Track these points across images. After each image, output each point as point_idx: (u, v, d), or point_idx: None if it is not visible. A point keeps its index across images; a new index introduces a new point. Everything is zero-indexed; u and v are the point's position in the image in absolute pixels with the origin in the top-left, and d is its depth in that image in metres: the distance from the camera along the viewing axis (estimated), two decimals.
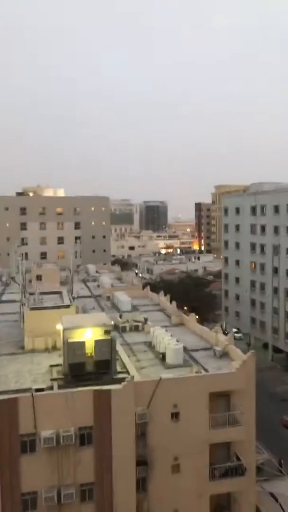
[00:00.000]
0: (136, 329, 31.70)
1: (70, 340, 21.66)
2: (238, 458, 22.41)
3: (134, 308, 37.80)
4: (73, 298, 38.09)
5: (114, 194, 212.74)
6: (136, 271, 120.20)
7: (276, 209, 55.33)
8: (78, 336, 21.98)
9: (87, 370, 21.59)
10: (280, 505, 25.77)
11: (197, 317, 34.58)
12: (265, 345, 58.97)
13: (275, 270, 55.61)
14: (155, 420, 20.76)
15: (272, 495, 26.57)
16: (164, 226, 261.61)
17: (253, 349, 28.25)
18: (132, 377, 20.77)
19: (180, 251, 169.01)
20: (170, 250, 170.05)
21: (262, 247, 58.74)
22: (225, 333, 35.09)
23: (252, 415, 22.91)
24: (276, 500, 26.16)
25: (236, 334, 62.13)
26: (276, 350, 56.75)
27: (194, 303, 65.37)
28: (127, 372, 22.50)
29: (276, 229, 55.49)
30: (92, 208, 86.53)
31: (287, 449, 36.60)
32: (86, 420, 19.61)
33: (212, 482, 21.80)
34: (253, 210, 60.83)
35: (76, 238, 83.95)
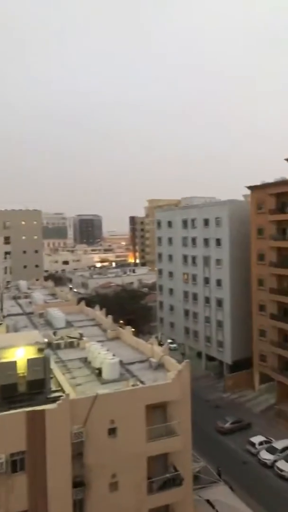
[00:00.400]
0: (71, 345, 30.98)
1: (0, 361, 20.56)
2: (175, 469, 22.63)
3: (69, 324, 36.99)
4: (3, 317, 36.36)
5: (47, 208, 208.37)
6: (71, 286, 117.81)
7: (206, 222, 57.87)
8: (9, 355, 20.96)
9: (20, 391, 20.60)
10: (216, 511, 26.36)
11: (133, 329, 34.69)
12: (199, 354, 60.73)
13: (206, 281, 57.87)
14: (92, 438, 20.30)
15: (209, 502, 27.11)
16: (99, 240, 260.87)
17: (187, 358, 28.96)
18: (68, 395, 20.18)
19: (116, 264, 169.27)
20: (106, 264, 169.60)
21: (194, 258, 60.90)
22: (160, 344, 35.61)
23: (188, 424, 23.34)
24: (213, 507, 26.73)
25: (171, 345, 63.24)
26: (210, 358, 58.71)
27: (130, 316, 65.58)
28: (62, 390, 21.84)
29: (206, 241, 57.93)
30: (23, 222, 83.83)
31: (221, 453, 37.79)
32: (18, 445, 18.60)
33: (150, 496, 21.73)
34: (185, 223, 63.04)
35: (6, 253, 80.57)
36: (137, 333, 43.10)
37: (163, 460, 22.83)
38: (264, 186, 49.53)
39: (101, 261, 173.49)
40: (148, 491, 21.74)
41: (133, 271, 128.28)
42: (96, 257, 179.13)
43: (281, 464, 34.92)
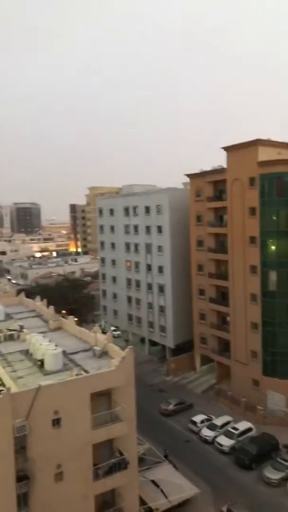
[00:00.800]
0: (11, 338, 29.96)
1: None
2: (120, 453, 22.96)
3: (8, 316, 35.67)
4: None
5: None
6: (9, 277, 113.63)
7: (147, 209, 58.31)
8: None
9: None
10: (161, 490, 27.24)
11: (76, 319, 34.30)
12: (142, 340, 61.70)
13: (149, 267, 58.61)
14: (35, 431, 19.90)
15: (153, 482, 27.92)
16: (37, 229, 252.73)
17: (131, 344, 29.29)
18: (8, 388, 19.52)
19: (56, 253, 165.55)
20: (46, 253, 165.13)
21: (136, 246, 61.27)
22: (104, 332, 35.56)
23: (133, 409, 23.71)
24: (158, 486, 27.59)
25: (114, 332, 63.61)
26: (153, 343, 59.87)
27: (73, 306, 64.78)
28: (3, 384, 21.10)
29: (148, 229, 58.47)
30: None
31: (166, 434, 38.97)
32: None
33: (96, 482, 21.90)
34: (126, 211, 63.02)
35: None
36: (80, 323, 42.72)
37: (108, 445, 23.06)
38: (202, 174, 50.81)
39: (41, 251, 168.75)
40: (94, 478, 21.89)
41: (75, 260, 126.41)
42: (36, 246, 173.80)
43: (220, 439, 36.79)
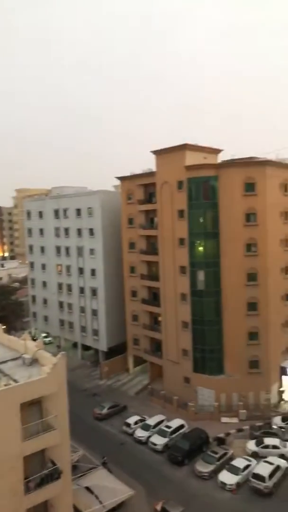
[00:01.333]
0: None
1: None
2: (53, 463, 22.24)
3: None
4: None
5: None
6: None
7: (78, 212, 57.42)
8: None
9: None
10: (96, 496, 26.90)
11: (3, 327, 32.68)
12: (75, 345, 60.59)
13: (81, 271, 57.75)
14: None
15: (88, 488, 27.49)
16: None
17: (63, 350, 28.61)
18: None
19: None
20: None
21: (67, 249, 60.03)
22: (34, 339, 34.36)
23: (66, 417, 23.10)
24: (92, 492, 27.20)
25: (45, 339, 61.91)
26: (85, 347, 59.05)
27: (0, 313, 61.87)
28: None
29: (79, 231, 57.61)
30: None
31: (100, 439, 38.65)
32: None
33: (28, 495, 20.96)
34: (56, 213, 61.49)
35: None
36: (8, 330, 40.80)
37: (40, 456, 22.23)
38: (133, 177, 51.38)
39: None
40: (25, 491, 20.92)
41: (2, 266, 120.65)
42: None
43: (154, 438, 37.30)
